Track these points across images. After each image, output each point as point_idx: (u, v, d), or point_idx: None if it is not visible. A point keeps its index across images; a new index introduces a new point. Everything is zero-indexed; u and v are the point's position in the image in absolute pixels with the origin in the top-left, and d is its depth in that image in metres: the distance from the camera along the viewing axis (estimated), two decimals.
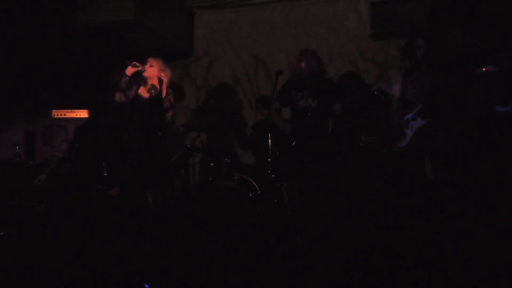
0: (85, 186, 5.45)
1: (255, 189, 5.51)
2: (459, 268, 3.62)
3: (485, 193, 4.68)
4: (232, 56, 7.02)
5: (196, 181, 6.83)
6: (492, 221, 4.39)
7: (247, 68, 6.98)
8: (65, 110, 6.35)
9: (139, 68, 4.95)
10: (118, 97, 4.93)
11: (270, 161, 5.41)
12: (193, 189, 5.75)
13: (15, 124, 6.55)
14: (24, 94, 6.55)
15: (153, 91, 5.04)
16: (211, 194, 5.57)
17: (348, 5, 6.59)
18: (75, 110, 6.33)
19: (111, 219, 5.08)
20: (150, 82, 5.09)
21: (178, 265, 3.95)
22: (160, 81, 4.82)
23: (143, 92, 5.08)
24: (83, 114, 6.31)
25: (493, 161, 4.86)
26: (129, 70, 4.92)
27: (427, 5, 5.71)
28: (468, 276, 3.49)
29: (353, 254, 4.05)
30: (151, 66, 5.07)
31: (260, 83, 6.93)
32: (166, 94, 5.03)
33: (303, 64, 4.93)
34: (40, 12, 6.27)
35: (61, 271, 3.80)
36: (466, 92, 5.12)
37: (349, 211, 5.11)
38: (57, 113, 6.35)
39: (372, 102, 5.75)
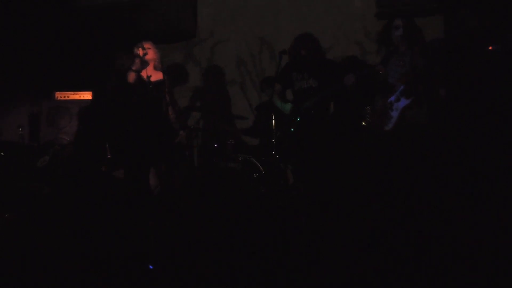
0: (89, 168, 5.45)
1: (259, 170, 5.50)
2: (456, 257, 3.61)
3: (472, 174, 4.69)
4: (236, 37, 6.95)
5: (200, 162, 6.81)
6: (478, 205, 4.38)
7: (251, 49, 6.92)
8: (69, 92, 6.31)
9: (145, 51, 4.95)
10: (133, 77, 4.93)
11: (274, 142, 5.42)
12: (197, 171, 5.73)
13: (19, 106, 6.52)
14: (27, 76, 6.52)
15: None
16: (215, 175, 5.57)
17: None
18: (79, 92, 6.30)
19: (115, 201, 5.08)
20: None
21: (181, 247, 3.94)
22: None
23: (144, 74, 5.06)
24: (86, 96, 6.27)
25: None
26: (141, 52, 4.93)
27: None
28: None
29: (357, 237, 4.03)
30: (148, 48, 5.05)
31: (264, 64, 6.87)
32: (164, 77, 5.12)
33: (302, 51, 4.94)
34: None
35: (64, 254, 3.80)
36: (469, 71, 5.10)
37: (353, 192, 5.09)
38: (61, 95, 6.33)
39: (376, 81, 5.71)
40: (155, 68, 5.16)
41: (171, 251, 3.84)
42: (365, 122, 5.50)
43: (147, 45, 5.07)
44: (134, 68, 4.89)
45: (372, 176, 5.07)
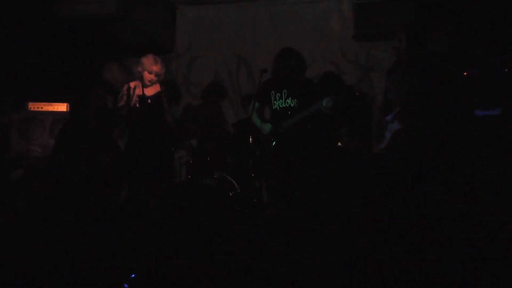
0: (65, 182, 5.35)
1: (235, 188, 5.49)
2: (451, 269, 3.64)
3: (465, 196, 4.72)
4: (214, 54, 6.96)
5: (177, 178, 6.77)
6: (473, 222, 4.43)
7: (229, 66, 6.93)
8: (42, 103, 6.20)
9: (140, 75, 4.89)
10: (122, 105, 4.88)
11: (250, 160, 5.41)
12: (173, 187, 5.68)
13: None
14: None
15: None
16: (191, 192, 5.54)
17: (331, 5, 6.61)
18: (53, 104, 6.19)
19: (92, 216, 5.00)
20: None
21: (157, 264, 3.89)
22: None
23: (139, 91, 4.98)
24: (61, 107, 6.17)
25: (471, 165, 4.91)
26: (133, 84, 4.90)
27: (411, 7, 5.75)
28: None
29: (334, 254, 4.04)
30: (155, 63, 4.96)
31: (241, 81, 6.90)
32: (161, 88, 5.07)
33: (292, 62, 4.94)
34: (20, 3, 6.14)
35: (39, 267, 3.72)
36: (444, 95, 5.16)
37: (328, 211, 5.12)
38: (34, 106, 6.20)
39: (352, 103, 5.77)
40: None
41: (147, 269, 3.79)
42: (341, 143, 5.56)
43: (149, 61, 4.94)
44: (124, 98, 4.85)
45: (350, 197, 5.11)
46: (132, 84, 4.89)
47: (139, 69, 4.91)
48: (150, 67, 4.89)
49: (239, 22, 6.90)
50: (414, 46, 4.61)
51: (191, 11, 7.02)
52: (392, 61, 4.84)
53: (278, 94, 5.07)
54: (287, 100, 5.01)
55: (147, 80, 4.91)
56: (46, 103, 6.18)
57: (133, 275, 3.51)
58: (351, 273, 3.62)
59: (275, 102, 5.08)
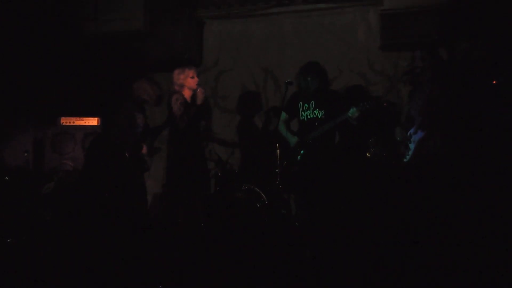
0: (93, 196, 5.43)
1: (262, 200, 5.50)
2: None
3: (487, 202, 4.66)
4: (241, 67, 7.02)
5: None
6: (495, 230, 4.36)
7: (256, 79, 6.97)
8: (74, 118, 6.35)
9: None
10: (181, 115, 5.03)
11: (278, 171, 5.42)
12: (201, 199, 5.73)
13: (24, 131, 6.54)
14: (33, 101, 6.56)
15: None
16: (219, 204, 5.57)
17: (358, 16, 6.59)
18: (84, 118, 6.33)
19: (118, 229, 5.07)
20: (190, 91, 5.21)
21: (184, 275, 3.93)
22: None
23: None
24: (92, 122, 6.31)
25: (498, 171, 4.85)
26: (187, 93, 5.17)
27: (437, 17, 5.71)
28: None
29: (360, 266, 4.01)
30: (192, 77, 5.19)
31: (268, 94, 6.93)
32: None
33: (309, 78, 4.99)
34: (50, 20, 6.31)
35: (66, 280, 3.78)
36: (473, 102, 5.11)
37: (356, 223, 5.09)
38: (66, 121, 6.35)
39: (380, 114, 5.74)
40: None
41: (174, 279, 3.82)
42: (369, 154, 5.53)
43: (191, 72, 5.17)
44: (180, 110, 5.00)
45: (378, 208, 5.08)
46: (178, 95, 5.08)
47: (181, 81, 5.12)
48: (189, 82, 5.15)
49: (266, 36, 6.94)
50: (439, 57, 4.65)
51: (218, 25, 7.09)
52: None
53: (306, 105, 5.09)
54: (315, 111, 5.02)
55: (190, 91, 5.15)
56: (78, 118, 6.32)
57: (160, 287, 3.54)
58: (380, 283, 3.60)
59: (302, 113, 5.11)
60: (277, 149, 5.48)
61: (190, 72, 5.15)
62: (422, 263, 3.92)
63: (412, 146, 4.70)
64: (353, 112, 4.69)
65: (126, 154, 5.07)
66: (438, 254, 4.10)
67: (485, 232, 4.32)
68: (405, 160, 4.78)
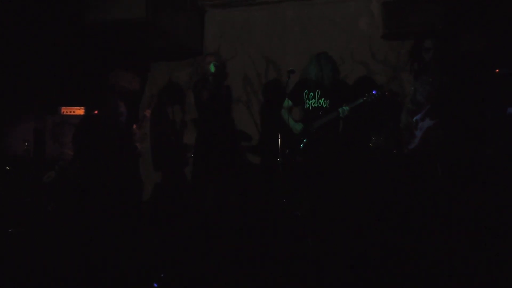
0: (94, 184, 5.42)
1: None
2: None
3: (492, 194, 4.64)
4: (242, 56, 6.97)
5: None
6: (499, 222, 4.35)
7: (257, 68, 6.93)
8: (74, 107, 6.32)
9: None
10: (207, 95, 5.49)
11: (279, 160, 5.40)
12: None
13: (24, 121, 6.53)
14: (33, 90, 6.54)
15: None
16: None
17: (360, 5, 6.54)
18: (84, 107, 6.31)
19: (122, 218, 5.06)
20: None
21: (182, 267, 3.92)
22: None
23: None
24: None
25: (503, 163, 4.82)
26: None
27: (441, 6, 5.67)
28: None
29: (362, 256, 4.00)
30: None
31: (270, 82, 6.89)
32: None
33: (327, 70, 5.01)
34: (50, 9, 6.27)
35: (67, 270, 3.78)
36: (477, 93, 5.08)
37: (358, 212, 5.08)
38: (66, 110, 6.33)
39: (383, 103, 5.71)
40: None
41: (174, 271, 3.81)
42: (371, 143, 5.51)
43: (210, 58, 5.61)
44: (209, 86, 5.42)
45: (380, 197, 5.06)
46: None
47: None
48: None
49: (267, 24, 6.88)
50: (445, 46, 4.61)
51: (220, 14, 7.04)
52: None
53: (311, 93, 5.10)
54: (320, 100, 5.03)
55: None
56: (78, 107, 6.30)
57: (162, 275, 3.54)
58: (384, 274, 3.59)
59: (307, 101, 5.12)
60: (278, 138, 5.46)
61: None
62: (424, 254, 3.92)
63: (418, 133, 4.66)
64: (343, 111, 4.75)
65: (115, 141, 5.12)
66: (441, 245, 4.09)
67: (491, 228, 4.30)
68: (410, 148, 4.74)
